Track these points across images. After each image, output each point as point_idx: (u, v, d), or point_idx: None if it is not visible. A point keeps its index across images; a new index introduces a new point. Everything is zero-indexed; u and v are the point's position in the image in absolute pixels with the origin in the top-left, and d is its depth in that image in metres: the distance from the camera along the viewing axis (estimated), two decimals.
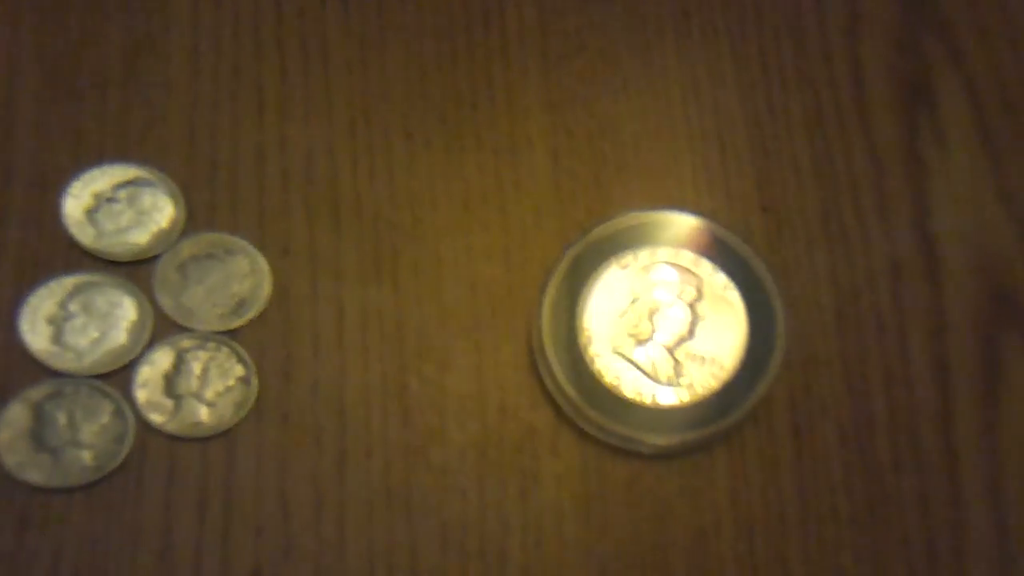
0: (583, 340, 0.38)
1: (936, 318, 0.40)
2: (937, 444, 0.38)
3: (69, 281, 0.39)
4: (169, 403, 0.38)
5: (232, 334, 0.39)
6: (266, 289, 0.39)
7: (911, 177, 0.42)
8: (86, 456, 0.37)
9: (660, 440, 0.37)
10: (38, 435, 0.37)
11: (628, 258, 0.39)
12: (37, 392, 0.37)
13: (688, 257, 0.39)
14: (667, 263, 0.39)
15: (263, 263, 0.40)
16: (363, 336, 0.39)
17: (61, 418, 0.37)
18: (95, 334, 0.38)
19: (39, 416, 0.37)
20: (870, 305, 0.40)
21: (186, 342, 0.38)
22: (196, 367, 0.38)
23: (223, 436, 0.37)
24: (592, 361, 0.38)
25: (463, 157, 0.42)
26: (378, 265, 0.40)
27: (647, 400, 0.37)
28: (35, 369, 0.38)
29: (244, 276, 0.39)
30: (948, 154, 0.42)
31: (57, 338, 0.38)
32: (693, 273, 0.39)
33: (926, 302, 0.40)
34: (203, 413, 0.37)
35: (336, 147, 0.42)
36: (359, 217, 0.41)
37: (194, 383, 0.38)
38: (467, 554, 0.37)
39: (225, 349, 0.38)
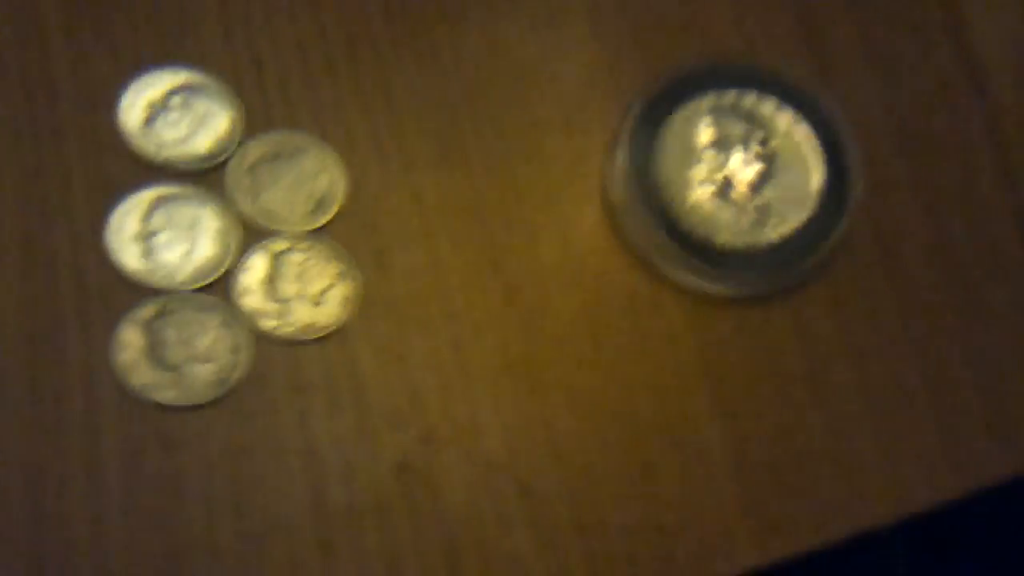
0: (664, 194, 0.39)
1: (992, 131, 0.43)
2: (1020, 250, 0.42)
3: (145, 196, 0.38)
4: (276, 307, 0.37)
5: (319, 232, 0.39)
6: (343, 183, 0.39)
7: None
8: (208, 370, 0.36)
9: (757, 282, 0.39)
10: (155, 354, 0.36)
11: (691, 108, 0.41)
12: (143, 311, 0.36)
13: (751, 99, 0.41)
14: (730, 107, 0.41)
15: (332, 156, 0.39)
16: (446, 219, 0.40)
17: (172, 335, 0.36)
18: (184, 247, 0.37)
19: (151, 335, 0.36)
20: (926, 125, 0.43)
21: (277, 244, 0.38)
22: (293, 268, 0.38)
23: (337, 334, 0.37)
24: (677, 214, 0.39)
25: (508, 29, 0.42)
26: (444, 148, 0.40)
27: (739, 244, 0.39)
28: (133, 289, 0.37)
29: (318, 172, 0.39)
30: None
31: (147, 255, 0.37)
32: (758, 114, 0.41)
33: (980, 116, 0.43)
34: (311, 313, 0.37)
35: (376, 34, 0.41)
36: (416, 101, 0.41)
37: (295, 285, 0.38)
38: (599, 418, 0.38)
39: (318, 247, 0.38)
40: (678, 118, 0.40)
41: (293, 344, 0.37)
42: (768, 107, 0.40)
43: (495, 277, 0.39)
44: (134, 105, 0.38)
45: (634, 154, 0.39)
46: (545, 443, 0.37)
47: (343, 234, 0.39)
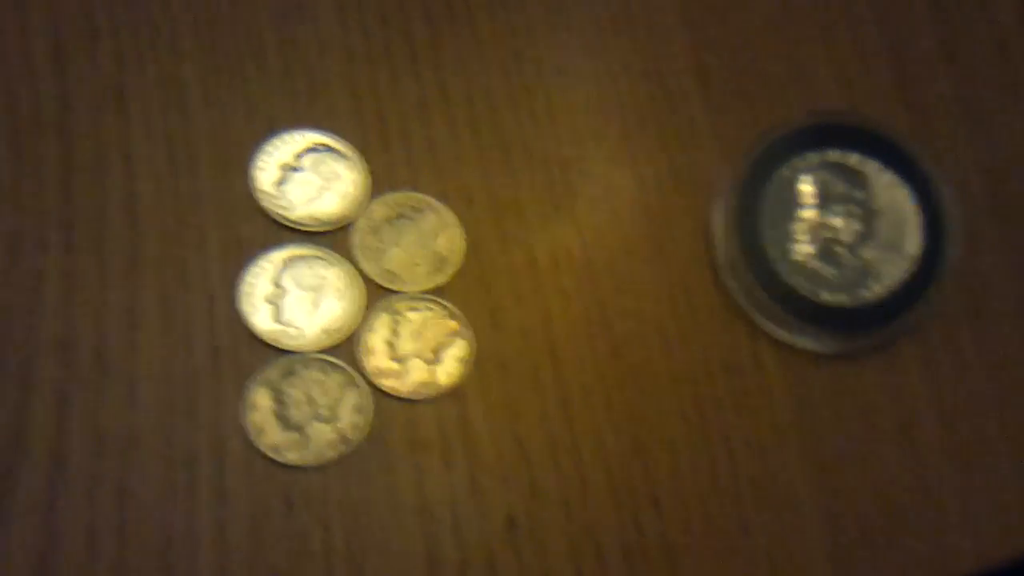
0: (767, 252, 0.41)
1: None
2: None
3: (277, 256, 0.40)
4: (396, 366, 0.39)
5: (438, 291, 0.40)
6: (460, 243, 0.41)
7: None
8: (330, 430, 0.39)
9: (853, 340, 0.41)
10: (282, 415, 0.38)
11: (793, 165, 0.41)
12: (272, 372, 0.39)
13: (854, 158, 0.41)
14: (833, 165, 0.41)
15: (451, 217, 0.41)
16: (557, 276, 0.41)
17: (299, 395, 0.39)
18: (311, 307, 0.40)
19: (278, 396, 0.39)
20: (1020, 186, 0.43)
21: (399, 304, 0.40)
22: (412, 327, 0.40)
23: (451, 392, 0.39)
24: (779, 271, 0.40)
25: (616, 87, 0.44)
26: (557, 204, 0.42)
27: (837, 302, 0.40)
28: (262, 349, 0.39)
29: (437, 232, 0.41)
30: None
31: (278, 316, 0.39)
32: (861, 173, 0.41)
33: None
34: (430, 372, 0.39)
35: (493, 89, 0.43)
36: (530, 158, 0.42)
37: (414, 344, 0.40)
38: (699, 475, 0.40)
39: (435, 307, 0.40)
40: (781, 175, 0.41)
41: (411, 403, 0.39)
42: (870, 166, 0.41)
43: (603, 334, 0.40)
44: (268, 166, 0.40)
45: (738, 211, 0.41)
46: (648, 499, 0.39)
47: (459, 293, 0.40)
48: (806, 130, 0.42)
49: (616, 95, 0.43)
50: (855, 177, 0.41)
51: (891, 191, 0.41)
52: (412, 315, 0.40)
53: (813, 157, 0.41)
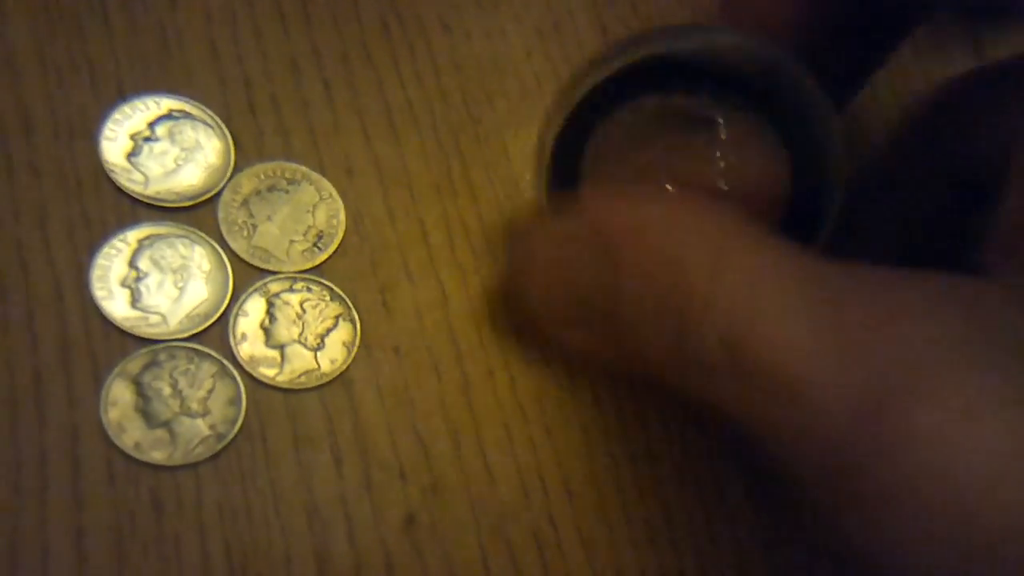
0: None
1: None
2: None
3: (132, 236, 0.35)
4: (274, 354, 0.35)
5: (317, 270, 0.36)
6: (342, 217, 0.37)
7: None
8: (202, 425, 0.34)
9: None
10: (146, 410, 0.34)
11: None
12: (133, 364, 0.34)
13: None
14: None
15: (330, 188, 0.37)
16: (452, 252, 0.37)
17: (164, 388, 0.34)
18: (174, 291, 0.35)
19: (141, 390, 0.34)
20: None
21: (273, 286, 0.36)
22: (290, 312, 0.35)
23: (338, 380, 0.35)
24: None
25: (506, 42, 0.40)
26: (448, 173, 0.38)
27: None
28: (121, 339, 0.34)
29: (315, 205, 0.37)
30: None
31: (135, 301, 0.34)
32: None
33: None
34: (311, 359, 0.35)
35: (372, 48, 0.39)
36: (416, 124, 0.38)
37: (294, 329, 0.35)
38: (614, 460, 0.37)
39: (316, 287, 0.36)
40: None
41: (291, 392, 0.34)
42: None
43: (506, 312, 0.37)
44: (117, 135, 0.36)
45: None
46: (561, 489, 0.35)
47: (343, 272, 0.36)
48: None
49: (508, 51, 0.39)
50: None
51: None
52: (289, 297, 0.35)
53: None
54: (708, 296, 0.24)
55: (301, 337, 0.35)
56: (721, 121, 0.32)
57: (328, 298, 0.36)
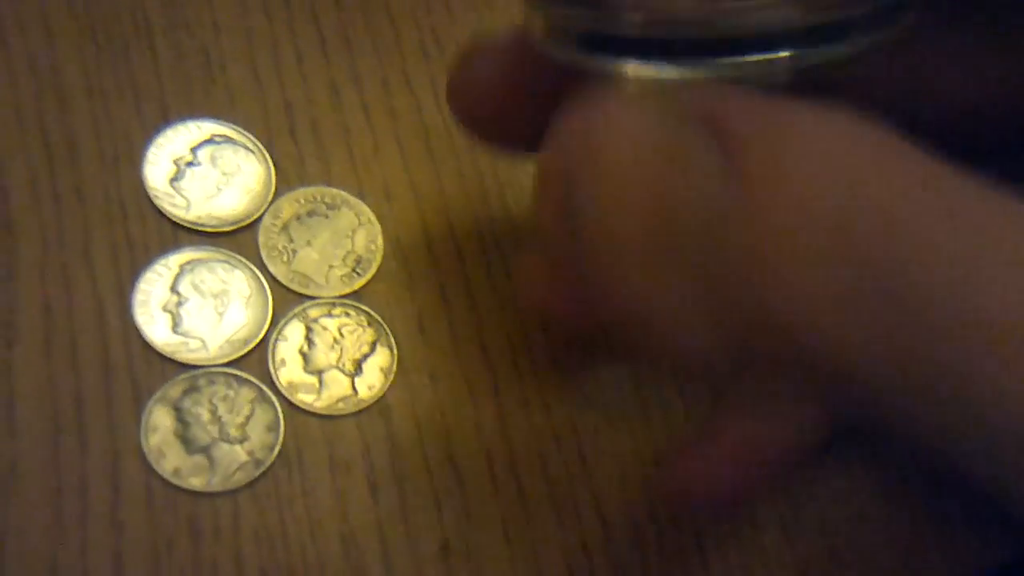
0: None
1: None
2: None
3: (174, 261, 0.36)
4: (312, 380, 0.35)
5: (356, 295, 0.36)
6: (380, 242, 0.37)
7: None
8: (241, 451, 0.34)
9: None
10: (185, 436, 0.34)
11: None
12: (173, 389, 0.34)
13: None
14: None
15: (369, 213, 0.37)
16: (489, 277, 0.37)
17: (204, 414, 0.34)
18: (214, 316, 0.35)
19: (181, 415, 0.34)
20: None
21: (312, 311, 0.36)
22: (328, 337, 0.36)
23: (375, 406, 0.35)
24: None
25: None
26: (485, 197, 0.38)
27: None
28: (162, 364, 0.35)
29: (353, 230, 0.37)
30: None
31: (176, 326, 0.35)
32: None
33: None
34: (349, 385, 0.35)
35: (411, 73, 0.39)
36: (453, 148, 0.38)
37: (332, 355, 0.36)
38: (649, 490, 0.36)
39: (353, 313, 0.36)
40: None
41: (330, 419, 0.35)
42: None
43: (540, 338, 0.37)
44: (159, 160, 0.36)
45: None
46: (593, 512, 0.35)
47: (381, 297, 0.36)
48: None
49: None
50: None
51: None
52: (328, 322, 0.36)
53: None
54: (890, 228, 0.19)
55: (339, 363, 0.35)
56: None
57: (366, 323, 0.36)
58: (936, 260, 0.19)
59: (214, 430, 0.34)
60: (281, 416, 0.35)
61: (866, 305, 0.19)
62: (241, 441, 0.34)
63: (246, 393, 0.35)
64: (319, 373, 0.35)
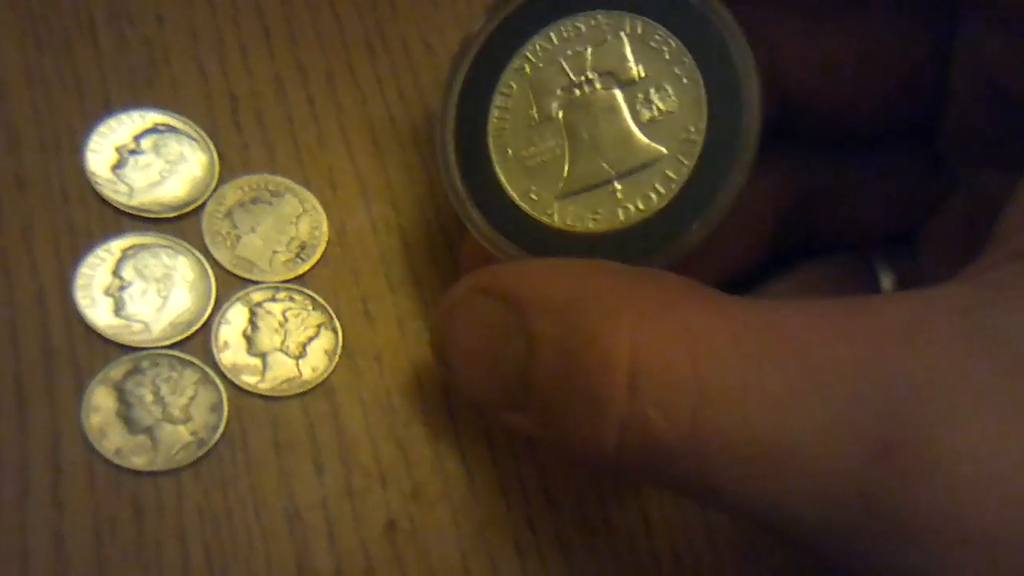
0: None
1: None
2: None
3: (115, 246, 0.36)
4: (255, 362, 0.35)
5: (300, 280, 0.36)
6: (325, 228, 0.37)
7: None
8: (184, 431, 0.34)
9: None
10: (128, 416, 0.34)
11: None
12: (115, 371, 0.34)
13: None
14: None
15: (313, 200, 0.37)
16: (435, 263, 0.37)
17: (146, 395, 0.34)
18: (157, 300, 0.35)
19: (123, 396, 0.34)
20: None
21: (256, 295, 0.36)
22: (272, 320, 0.36)
23: (320, 388, 0.35)
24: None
25: None
26: (431, 188, 0.38)
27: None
28: (104, 347, 0.34)
29: (298, 217, 0.37)
30: None
31: (119, 310, 0.35)
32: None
33: None
34: (293, 366, 0.35)
35: (356, 68, 0.39)
36: (399, 140, 0.39)
37: (276, 337, 0.35)
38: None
39: (298, 297, 0.36)
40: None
41: (273, 400, 0.35)
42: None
43: None
44: (102, 148, 0.36)
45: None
46: (542, 496, 0.35)
47: (326, 282, 0.36)
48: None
49: None
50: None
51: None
52: (272, 306, 0.36)
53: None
54: (633, 367, 0.22)
55: (283, 345, 0.35)
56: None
57: (310, 307, 0.36)
58: None
59: (157, 411, 0.34)
60: (225, 397, 0.34)
61: None
62: (184, 422, 0.34)
63: (189, 375, 0.34)
64: (263, 355, 0.35)
